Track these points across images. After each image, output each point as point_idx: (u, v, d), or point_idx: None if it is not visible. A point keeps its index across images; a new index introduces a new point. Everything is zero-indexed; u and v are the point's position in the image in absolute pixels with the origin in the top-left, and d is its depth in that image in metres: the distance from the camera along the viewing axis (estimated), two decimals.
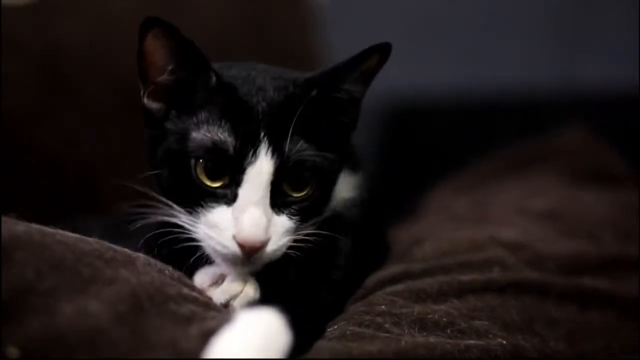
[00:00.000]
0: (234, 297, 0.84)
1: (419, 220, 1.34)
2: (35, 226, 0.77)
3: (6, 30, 1.44)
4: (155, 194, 0.87)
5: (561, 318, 0.90)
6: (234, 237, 0.82)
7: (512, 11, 2.04)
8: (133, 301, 0.72)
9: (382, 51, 0.87)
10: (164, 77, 0.87)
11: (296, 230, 0.86)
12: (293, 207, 0.86)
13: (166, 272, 0.82)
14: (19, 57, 1.46)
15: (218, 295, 0.84)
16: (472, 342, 0.79)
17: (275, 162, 0.83)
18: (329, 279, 0.88)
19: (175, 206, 0.86)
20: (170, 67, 0.86)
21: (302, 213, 0.86)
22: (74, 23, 1.55)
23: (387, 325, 0.80)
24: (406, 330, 0.80)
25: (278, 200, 0.85)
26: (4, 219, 0.76)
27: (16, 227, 0.75)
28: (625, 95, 1.84)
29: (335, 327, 0.82)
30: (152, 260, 0.83)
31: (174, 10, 1.54)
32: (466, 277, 0.91)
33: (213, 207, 0.84)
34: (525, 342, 0.83)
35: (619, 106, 1.86)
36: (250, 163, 0.82)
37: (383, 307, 0.84)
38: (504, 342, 0.81)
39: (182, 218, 0.85)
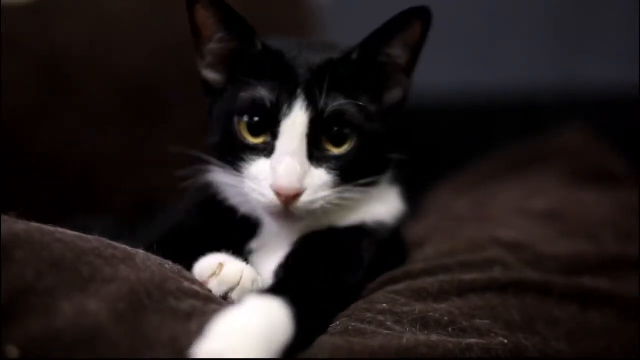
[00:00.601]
0: (232, 288, 0.84)
1: (419, 221, 1.33)
2: (34, 225, 0.77)
3: (6, 30, 1.44)
4: (210, 158, 0.93)
5: (562, 318, 0.90)
6: (271, 187, 0.87)
7: (512, 11, 2.04)
8: (133, 299, 0.72)
9: (422, 17, 0.90)
10: (213, 45, 0.93)
11: (336, 186, 0.89)
12: (332, 162, 0.89)
13: (166, 266, 0.82)
14: (19, 57, 1.47)
15: (215, 286, 0.84)
16: (473, 341, 0.79)
17: (310, 114, 0.87)
18: (343, 283, 0.89)
19: (226, 167, 0.91)
20: (218, 35, 0.92)
21: (342, 169, 0.89)
22: (73, 23, 1.55)
23: (388, 323, 0.80)
24: (407, 329, 0.80)
25: (316, 154, 0.89)
26: (3, 217, 0.76)
27: (16, 225, 0.75)
28: (626, 96, 1.84)
29: (337, 322, 0.82)
30: (152, 256, 0.83)
31: (173, 10, 1.54)
32: (467, 277, 0.91)
33: (254, 161, 0.89)
34: (526, 342, 0.83)
35: (619, 106, 1.86)
36: (285, 115, 0.88)
37: (384, 305, 0.84)
38: (505, 341, 0.81)
39: (230, 177, 0.91)
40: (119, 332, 0.69)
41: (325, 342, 0.76)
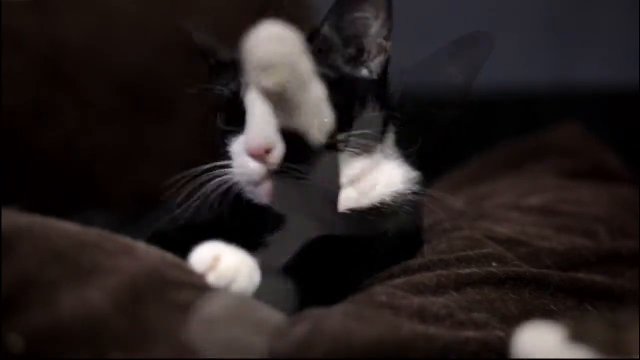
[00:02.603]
0: (229, 283, 0.82)
1: None
2: (36, 218, 0.77)
3: (7, 26, 1.45)
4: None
5: (559, 312, 0.91)
6: (246, 152, 0.90)
7: (512, 8, 2.05)
8: (133, 290, 0.72)
9: None
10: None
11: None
12: None
13: (166, 258, 0.83)
14: (20, 53, 1.47)
15: (214, 281, 0.81)
16: (471, 334, 0.79)
17: None
18: (345, 283, 0.91)
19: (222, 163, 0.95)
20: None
21: None
22: (74, 19, 1.55)
23: (386, 315, 0.80)
24: (406, 321, 0.80)
25: None
26: (5, 210, 0.76)
27: (17, 218, 0.76)
28: (623, 93, 1.85)
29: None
30: (152, 248, 0.83)
31: (173, 8, 1.55)
32: (464, 271, 0.92)
33: (232, 141, 0.94)
34: None
35: (616, 104, 1.87)
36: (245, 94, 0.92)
37: (383, 297, 0.85)
38: (502, 334, 0.81)
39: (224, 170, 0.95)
40: (119, 323, 0.70)
41: (324, 329, 0.75)
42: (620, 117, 1.87)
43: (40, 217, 0.78)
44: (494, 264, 0.96)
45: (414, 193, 1.01)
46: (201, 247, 0.84)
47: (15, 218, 0.75)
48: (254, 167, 0.90)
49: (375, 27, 0.96)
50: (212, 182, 0.94)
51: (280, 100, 0.79)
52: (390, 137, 1.02)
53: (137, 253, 0.79)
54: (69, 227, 0.78)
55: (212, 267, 0.82)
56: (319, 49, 0.92)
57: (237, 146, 0.94)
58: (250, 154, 0.89)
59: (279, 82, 0.76)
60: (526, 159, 1.56)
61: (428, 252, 1.01)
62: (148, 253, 0.81)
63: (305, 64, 0.78)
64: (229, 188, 0.95)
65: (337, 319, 0.78)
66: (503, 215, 1.18)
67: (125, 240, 0.82)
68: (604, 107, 1.89)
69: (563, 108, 1.91)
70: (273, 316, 0.79)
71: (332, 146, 0.89)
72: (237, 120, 0.94)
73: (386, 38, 0.97)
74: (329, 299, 0.85)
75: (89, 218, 0.99)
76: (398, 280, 0.91)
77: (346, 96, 0.91)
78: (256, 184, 0.92)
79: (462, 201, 1.36)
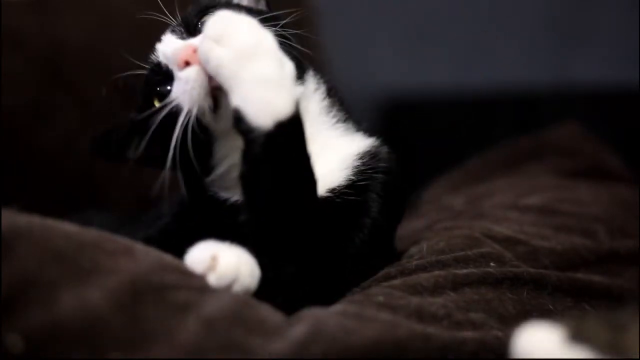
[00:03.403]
0: (230, 284, 0.81)
1: (414, 219, 1.33)
2: (35, 218, 0.78)
3: (7, 26, 1.45)
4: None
5: (557, 312, 0.91)
6: (180, 64, 0.93)
7: (511, 8, 2.05)
8: (133, 291, 0.72)
9: None
10: None
11: None
12: None
13: (165, 259, 0.82)
14: (20, 54, 1.48)
15: (215, 281, 0.80)
16: (469, 333, 0.80)
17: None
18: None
19: None
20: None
21: None
22: (75, 20, 1.56)
23: (384, 315, 0.81)
24: (404, 321, 0.80)
25: None
26: (4, 211, 0.76)
27: (17, 218, 0.76)
28: (622, 93, 1.85)
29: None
30: (151, 248, 0.83)
31: (173, 8, 1.55)
32: (462, 271, 0.92)
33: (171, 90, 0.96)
34: None
35: (615, 104, 1.87)
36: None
37: (380, 297, 0.85)
38: (500, 334, 0.81)
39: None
40: (119, 323, 0.70)
41: (323, 329, 0.76)
42: (620, 117, 1.87)
43: (40, 217, 0.78)
44: (492, 263, 0.96)
45: (379, 147, 1.01)
46: (197, 248, 0.83)
47: (15, 218, 0.76)
48: (193, 72, 0.91)
49: None
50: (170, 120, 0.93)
51: None
52: (320, 94, 1.02)
53: (136, 253, 0.79)
54: (69, 227, 0.78)
55: (211, 267, 0.81)
56: None
57: (175, 84, 0.94)
58: (181, 60, 0.92)
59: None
60: (526, 159, 1.56)
61: (427, 252, 1.00)
62: (147, 254, 0.81)
63: None
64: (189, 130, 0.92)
65: (335, 319, 0.78)
66: (502, 215, 1.18)
67: (125, 240, 0.82)
68: (604, 107, 1.89)
69: (563, 108, 1.91)
70: (273, 316, 0.79)
71: None
72: (165, 82, 0.97)
73: None
74: (324, 295, 0.86)
75: (89, 218, 0.99)
76: (395, 281, 0.91)
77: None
78: (205, 89, 0.91)
79: (461, 200, 1.36)
